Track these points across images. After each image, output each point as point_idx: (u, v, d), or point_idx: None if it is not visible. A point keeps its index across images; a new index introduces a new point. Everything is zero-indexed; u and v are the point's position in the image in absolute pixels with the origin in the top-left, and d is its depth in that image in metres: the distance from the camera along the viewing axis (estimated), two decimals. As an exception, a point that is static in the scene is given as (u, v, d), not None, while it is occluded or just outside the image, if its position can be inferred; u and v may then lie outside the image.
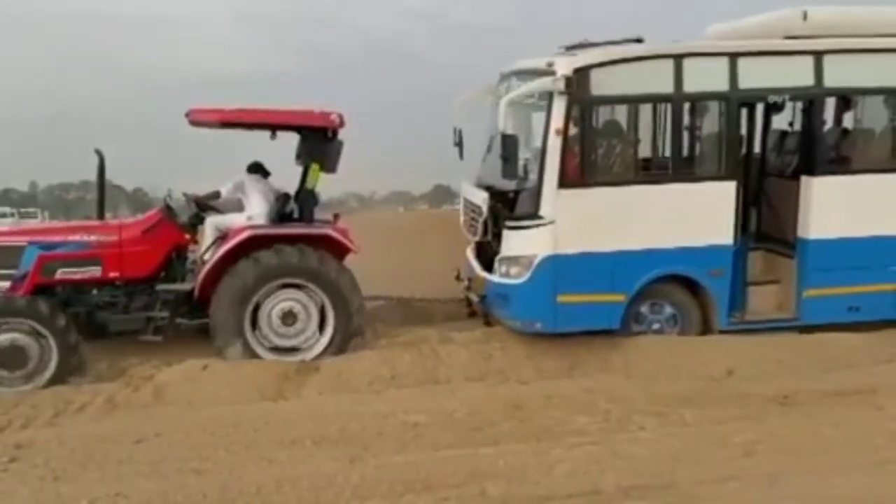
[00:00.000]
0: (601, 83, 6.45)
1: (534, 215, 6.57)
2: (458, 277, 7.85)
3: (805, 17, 6.82)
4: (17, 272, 6.98)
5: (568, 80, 6.32)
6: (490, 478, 4.53)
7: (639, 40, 7.07)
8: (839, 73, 6.81)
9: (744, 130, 7.18)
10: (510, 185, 6.85)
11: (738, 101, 6.75)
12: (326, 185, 7.51)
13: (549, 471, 4.64)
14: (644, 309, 7.01)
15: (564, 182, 6.49)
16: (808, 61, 6.77)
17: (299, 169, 7.50)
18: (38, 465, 4.85)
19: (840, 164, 7.16)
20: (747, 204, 7.13)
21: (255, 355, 7.00)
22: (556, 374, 6.47)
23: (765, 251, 7.60)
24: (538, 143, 6.59)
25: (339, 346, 7.10)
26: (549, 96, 6.44)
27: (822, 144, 7.00)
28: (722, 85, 6.66)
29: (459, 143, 7.43)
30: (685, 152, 6.83)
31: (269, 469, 4.73)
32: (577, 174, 6.55)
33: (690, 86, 6.60)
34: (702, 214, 6.74)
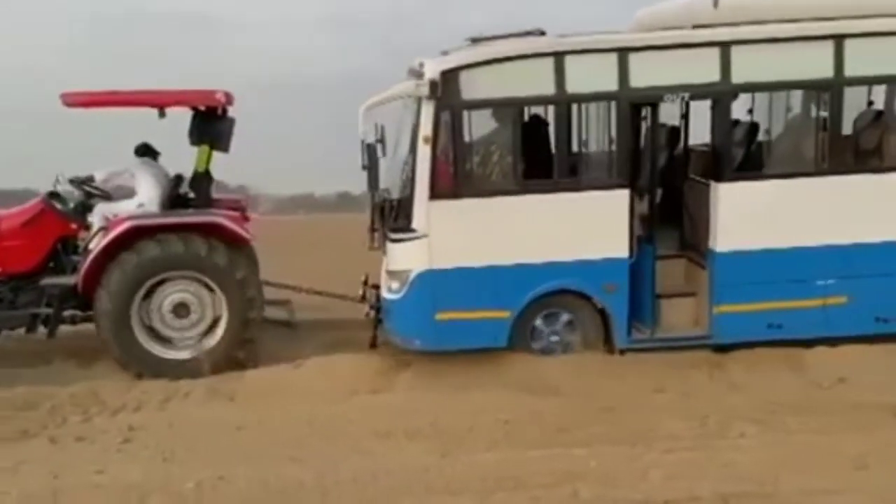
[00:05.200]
0: (473, 86, 6.30)
1: (407, 228, 6.39)
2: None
3: (716, 3, 6.38)
4: None
5: (433, 84, 6.17)
6: (582, 479, 4.64)
7: (541, 32, 6.76)
8: (748, 67, 6.38)
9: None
10: (395, 194, 6.69)
11: (628, 101, 6.37)
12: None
13: (643, 475, 4.74)
14: (539, 324, 6.79)
15: (437, 193, 6.37)
16: (713, 54, 6.35)
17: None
18: (149, 446, 5.39)
19: (751, 169, 6.75)
20: (653, 210, 6.75)
21: (146, 353, 7.13)
22: (651, 376, 6.52)
23: (687, 260, 7.25)
24: (407, 150, 6.38)
25: (233, 338, 7.23)
26: (418, 101, 6.21)
27: (728, 147, 6.60)
28: (610, 84, 6.39)
29: (371, 166, 6.38)
30: (571, 159, 6.54)
31: (363, 460, 5.04)
32: (451, 184, 6.44)
33: (574, 86, 6.39)
34: (591, 225, 6.57)
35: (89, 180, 7.77)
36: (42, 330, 7.58)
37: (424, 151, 6.31)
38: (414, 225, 6.45)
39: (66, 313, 7.55)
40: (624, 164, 6.60)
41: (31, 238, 7.52)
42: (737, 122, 7.23)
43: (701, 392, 6.24)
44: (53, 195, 7.85)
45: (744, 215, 6.61)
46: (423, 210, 6.40)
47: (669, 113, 7.51)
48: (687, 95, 6.60)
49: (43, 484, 4.77)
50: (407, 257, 6.59)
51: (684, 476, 4.67)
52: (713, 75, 6.48)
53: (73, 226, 7.68)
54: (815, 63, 6.49)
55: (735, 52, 6.42)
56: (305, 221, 17.73)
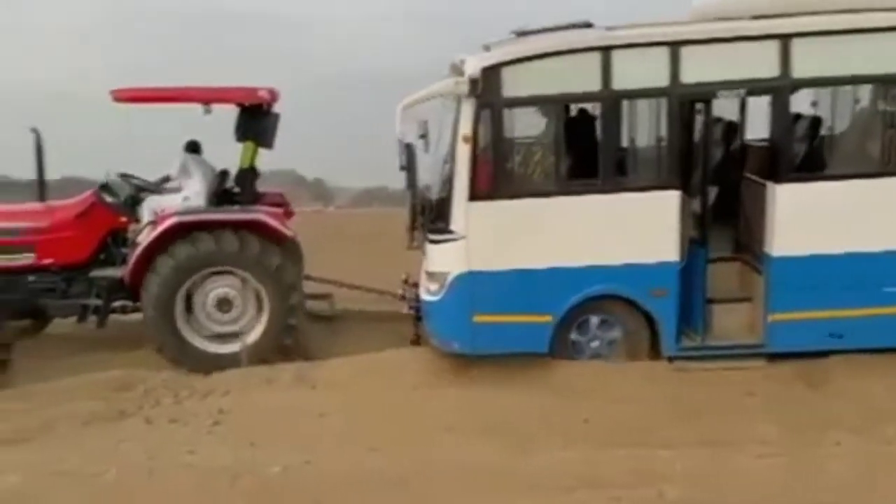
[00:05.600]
0: (515, 83, 6.09)
1: (446, 229, 6.25)
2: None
3: None
4: None
5: (473, 81, 5.97)
6: (668, 481, 4.59)
7: (587, 25, 6.49)
8: (810, 60, 5.99)
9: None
10: (434, 194, 6.56)
11: (680, 98, 6.06)
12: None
13: (730, 478, 4.67)
14: (582, 330, 6.61)
15: (476, 194, 6.17)
16: (772, 47, 5.97)
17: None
18: (237, 430, 5.60)
19: (811, 168, 6.35)
20: (705, 211, 6.43)
21: (188, 345, 7.29)
22: (740, 380, 6.37)
23: (742, 264, 6.91)
24: (446, 149, 6.23)
25: (276, 332, 7.35)
26: (458, 99, 6.04)
27: (787, 145, 6.22)
28: (660, 80, 6.08)
29: (409, 165, 6.27)
30: (617, 159, 6.28)
31: (440, 453, 5.12)
32: (491, 185, 6.24)
33: (622, 82, 6.09)
34: (639, 227, 6.28)
35: (166, 180, 7.93)
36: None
37: (464, 151, 6.14)
38: (452, 226, 6.30)
39: (117, 304, 7.76)
40: (674, 164, 6.29)
41: (83, 230, 7.76)
42: (798, 116, 6.82)
43: (795, 397, 6.02)
44: (104, 188, 8.02)
45: (803, 217, 6.23)
46: (462, 211, 6.24)
47: (726, 107, 7.16)
48: (743, 91, 6.22)
49: (139, 462, 5.01)
50: (445, 259, 6.45)
51: (775, 482, 4.55)
52: (772, 69, 6.10)
53: (123, 219, 7.89)
54: (883, 56, 6.04)
55: (796, 44, 6.02)
56: (377, 214, 17.86)
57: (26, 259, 7.60)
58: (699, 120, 6.42)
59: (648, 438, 5.26)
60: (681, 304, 6.48)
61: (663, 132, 6.30)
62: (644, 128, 6.59)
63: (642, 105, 6.54)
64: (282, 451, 5.12)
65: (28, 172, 8.25)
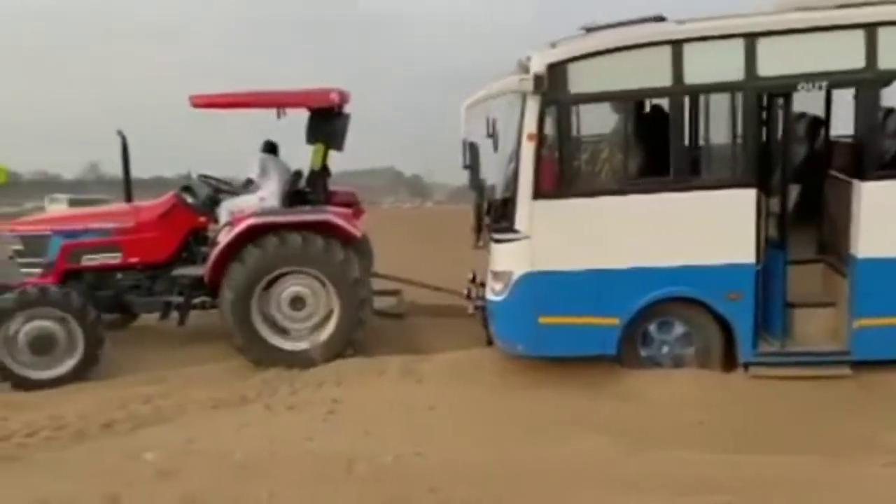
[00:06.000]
0: (581, 79, 5.97)
1: (510, 229, 6.20)
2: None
3: None
4: (45, 260, 7.99)
5: (538, 78, 5.88)
6: (775, 487, 4.47)
7: (660, 18, 6.32)
8: None
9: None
10: (499, 193, 6.52)
11: (756, 92, 5.80)
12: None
13: (852, 488, 4.47)
14: (651, 333, 6.46)
15: (540, 193, 6.09)
16: (857, 37, 5.64)
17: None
18: (350, 419, 5.82)
19: None
20: (785, 210, 6.15)
21: (265, 343, 7.54)
22: (858, 381, 6.21)
23: (826, 266, 6.56)
24: (512, 148, 6.16)
25: (346, 332, 7.53)
26: (523, 97, 5.97)
27: (874, 142, 5.86)
28: (735, 74, 5.83)
29: (472, 165, 6.22)
30: (689, 156, 6.06)
31: (545, 450, 5.16)
32: (556, 184, 6.14)
33: (694, 77, 5.87)
34: (713, 228, 6.04)
35: (250, 182, 8.22)
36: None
37: (528, 149, 6.06)
38: (517, 225, 6.23)
39: (197, 301, 8.06)
40: (750, 161, 6.03)
41: (166, 230, 8.11)
42: (890, 111, 6.42)
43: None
44: (185, 189, 8.35)
45: (890, 217, 5.86)
46: (526, 210, 6.16)
47: (810, 102, 6.82)
48: (824, 84, 5.89)
49: (262, 446, 5.27)
50: (509, 259, 6.38)
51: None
52: (857, 61, 5.76)
53: (203, 219, 8.18)
54: None
55: (883, 34, 5.66)
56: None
57: (114, 258, 8.00)
58: (778, 115, 6.13)
59: (762, 444, 5.13)
60: (758, 308, 6.20)
61: (738, 128, 6.05)
62: (718, 123, 6.34)
63: (716, 100, 6.30)
64: (393, 440, 5.29)
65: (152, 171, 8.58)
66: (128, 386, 7.09)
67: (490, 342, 7.13)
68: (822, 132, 7.11)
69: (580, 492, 4.52)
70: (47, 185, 42.03)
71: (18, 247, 8.18)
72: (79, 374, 7.38)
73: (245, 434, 5.63)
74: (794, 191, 6.83)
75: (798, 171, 6.73)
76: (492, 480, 4.69)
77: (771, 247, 6.25)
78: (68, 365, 7.37)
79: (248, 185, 8.26)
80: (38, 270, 7.95)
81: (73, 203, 8.53)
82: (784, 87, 5.97)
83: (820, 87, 5.96)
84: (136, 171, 8.55)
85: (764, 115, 6.13)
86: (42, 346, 7.34)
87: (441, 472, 4.78)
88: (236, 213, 7.82)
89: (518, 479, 4.70)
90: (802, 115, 7.20)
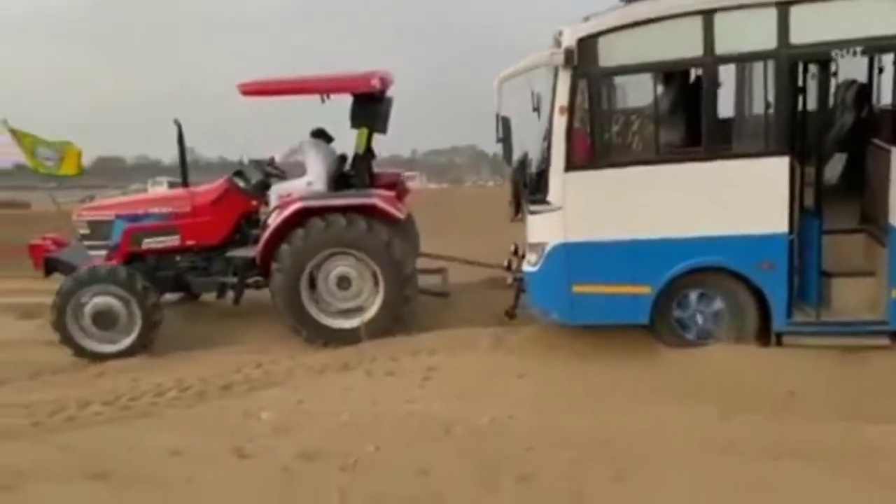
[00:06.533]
0: (612, 52, 6.08)
1: (544, 200, 6.36)
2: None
3: None
4: (110, 243, 8.51)
5: (569, 52, 6.01)
6: (881, 453, 4.51)
7: None
8: None
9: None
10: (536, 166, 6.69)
11: (789, 60, 5.81)
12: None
13: None
14: (684, 303, 6.52)
15: (573, 164, 6.23)
16: (891, 2, 5.63)
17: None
18: (446, 385, 6.13)
19: None
20: (820, 179, 6.14)
21: (314, 322, 7.85)
22: None
23: (867, 235, 6.51)
24: (545, 121, 6.32)
25: (391, 310, 7.81)
26: (554, 70, 6.12)
27: None
28: (767, 42, 5.84)
29: (505, 138, 6.35)
30: (721, 125, 6.10)
31: (639, 414, 5.33)
32: (588, 155, 6.26)
33: (725, 46, 5.91)
34: (744, 197, 6.09)
35: (271, 161, 8.57)
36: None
37: (560, 122, 6.20)
38: (550, 197, 6.38)
39: (251, 281, 8.45)
40: (783, 130, 6.04)
41: (219, 215, 8.53)
42: None
43: None
44: (238, 174, 8.74)
45: None
46: (559, 182, 6.31)
47: (857, 69, 6.76)
48: (859, 50, 5.86)
49: (365, 408, 5.68)
50: (543, 230, 6.54)
51: None
52: (892, 27, 5.70)
53: (254, 202, 8.56)
54: None
55: None
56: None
57: (172, 241, 8.46)
58: (815, 82, 6.11)
59: (860, 413, 5.10)
60: (791, 277, 6.20)
61: (771, 96, 6.06)
62: (751, 92, 6.34)
63: (748, 69, 6.31)
64: (487, 405, 5.53)
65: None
66: (240, 353, 7.63)
67: (510, 315, 7.39)
68: (868, 99, 7.02)
69: (676, 454, 4.64)
70: (150, 169, 44.46)
71: (86, 231, 8.75)
72: (131, 353, 7.86)
73: (349, 396, 6.01)
74: (838, 159, 6.79)
75: (842, 140, 6.68)
76: (586, 443, 4.86)
77: (806, 216, 6.25)
78: (124, 343, 7.90)
79: (271, 164, 8.59)
80: (103, 253, 8.50)
81: (171, 185, 9.25)
82: (817, 55, 5.96)
83: (854, 54, 5.91)
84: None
85: (798, 83, 6.13)
86: (104, 321, 7.88)
87: (536, 434, 5.02)
88: (284, 197, 8.17)
89: (612, 442, 4.84)
90: (852, 82, 7.13)
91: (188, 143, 8.88)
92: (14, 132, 8.83)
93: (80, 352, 7.91)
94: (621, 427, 5.06)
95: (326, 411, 5.67)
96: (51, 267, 8.61)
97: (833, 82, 7.46)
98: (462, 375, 6.30)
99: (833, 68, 7.10)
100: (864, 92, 7.15)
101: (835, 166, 7.15)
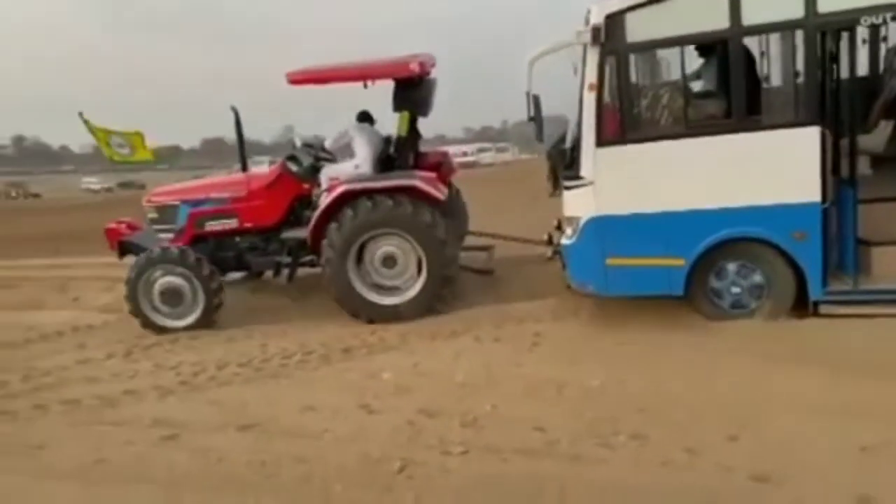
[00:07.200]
0: (639, 28, 6.20)
1: (577, 176, 6.57)
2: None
3: None
4: (176, 227, 9.15)
5: (596, 30, 6.18)
6: None
7: None
8: None
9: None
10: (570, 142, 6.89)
11: (817, 29, 5.84)
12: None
13: None
14: (721, 275, 6.60)
15: (603, 140, 6.40)
16: None
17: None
18: (554, 350, 6.52)
19: None
20: (854, 149, 6.16)
21: (361, 298, 8.27)
22: None
23: None
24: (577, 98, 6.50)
25: (433, 289, 8.15)
26: (583, 48, 6.30)
27: None
28: (795, 12, 5.86)
29: (537, 116, 6.57)
30: (750, 96, 6.17)
31: (746, 379, 5.43)
32: (617, 130, 6.42)
33: (751, 17, 5.96)
34: (775, 167, 6.14)
35: (321, 146, 8.99)
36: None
37: (590, 99, 6.37)
38: (582, 172, 6.57)
39: (305, 260, 8.91)
40: (813, 99, 6.05)
41: (274, 198, 9.03)
42: None
43: None
44: (291, 159, 9.20)
45: None
46: (591, 157, 6.48)
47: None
48: (889, 16, 5.82)
49: (477, 370, 6.09)
50: (577, 204, 6.73)
51: None
52: None
53: (306, 186, 9.00)
54: None
55: None
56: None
57: (232, 224, 9.02)
58: (845, 50, 6.11)
59: None
60: (826, 246, 6.23)
61: (800, 66, 6.08)
62: (779, 63, 6.36)
63: (776, 39, 6.33)
64: (596, 369, 5.76)
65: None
66: (352, 323, 8.22)
67: (569, 286, 7.54)
68: None
69: (790, 416, 4.76)
70: (250, 149, 46.93)
71: (154, 215, 9.40)
72: (192, 329, 8.47)
73: (461, 360, 6.40)
74: (885, 127, 6.73)
75: (890, 108, 6.62)
76: (697, 405, 5.01)
77: (840, 185, 6.25)
78: (187, 320, 8.53)
79: (322, 149, 8.99)
80: (170, 235, 9.11)
81: (271, 164, 9.89)
82: (846, 22, 5.95)
83: (885, 20, 5.88)
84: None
85: (829, 51, 6.12)
86: (170, 298, 8.51)
87: (647, 396, 5.23)
88: (333, 180, 8.57)
89: (722, 405, 4.98)
90: None
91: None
92: (88, 124, 9.53)
93: (148, 324, 8.57)
94: (733, 392, 5.17)
95: (441, 372, 6.10)
96: (125, 249, 9.30)
97: (882, 47, 7.40)
98: (568, 342, 6.62)
99: (883, 33, 7.04)
100: None
101: (881, 133, 7.09)
